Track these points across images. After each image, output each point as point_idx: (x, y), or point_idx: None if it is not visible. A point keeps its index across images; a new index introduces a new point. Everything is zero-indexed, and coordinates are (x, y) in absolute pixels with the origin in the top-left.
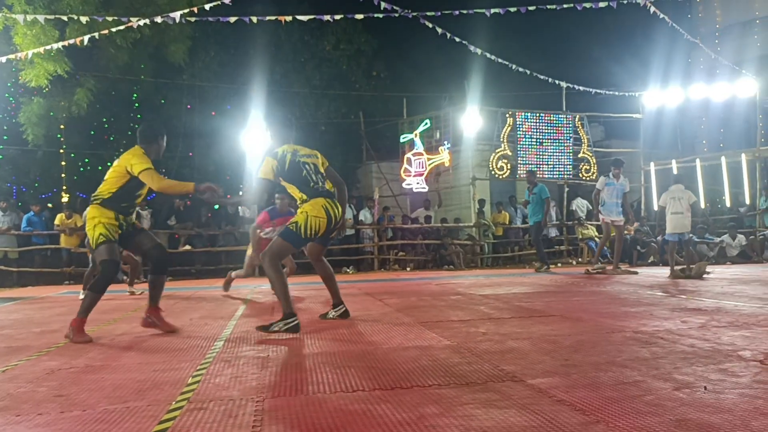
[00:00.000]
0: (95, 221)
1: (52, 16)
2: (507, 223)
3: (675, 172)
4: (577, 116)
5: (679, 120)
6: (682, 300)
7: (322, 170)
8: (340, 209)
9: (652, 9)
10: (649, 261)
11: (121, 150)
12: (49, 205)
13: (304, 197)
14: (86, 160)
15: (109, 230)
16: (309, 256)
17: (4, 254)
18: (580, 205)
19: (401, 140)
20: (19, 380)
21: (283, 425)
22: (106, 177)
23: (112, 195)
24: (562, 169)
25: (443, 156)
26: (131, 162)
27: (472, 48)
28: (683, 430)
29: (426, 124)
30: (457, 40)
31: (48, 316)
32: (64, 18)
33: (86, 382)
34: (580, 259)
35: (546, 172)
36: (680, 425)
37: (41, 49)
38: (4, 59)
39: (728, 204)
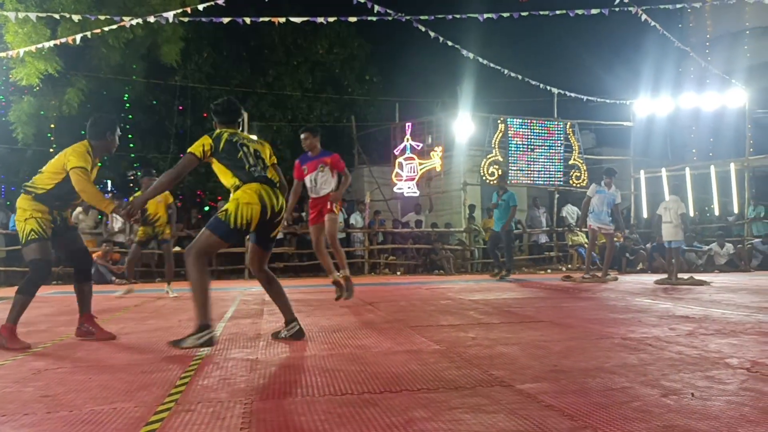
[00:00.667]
0: (27, 214)
1: (44, 15)
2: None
3: (666, 182)
4: (569, 123)
5: (669, 128)
6: (670, 307)
7: (265, 159)
8: (280, 200)
9: (644, 17)
10: (638, 268)
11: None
12: None
13: (237, 182)
14: None
15: (42, 226)
16: (250, 264)
17: None
18: (571, 211)
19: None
20: (5, 380)
21: (271, 428)
22: (43, 168)
23: (47, 192)
24: (553, 176)
25: (435, 161)
26: (68, 158)
27: (464, 52)
28: None
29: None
30: (450, 44)
31: (35, 315)
32: (56, 16)
33: (73, 383)
34: (569, 266)
35: (537, 179)
36: (667, 431)
37: (32, 48)
38: None
39: (717, 213)
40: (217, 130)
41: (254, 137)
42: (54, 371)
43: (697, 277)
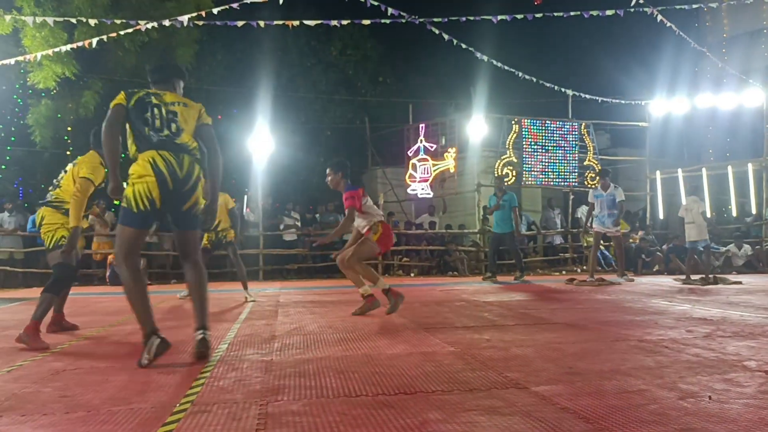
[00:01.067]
0: (58, 225)
1: (61, 19)
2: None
3: (683, 183)
4: (583, 124)
5: (685, 129)
6: (687, 309)
7: (185, 121)
8: (185, 166)
9: (659, 18)
10: (654, 270)
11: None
12: None
13: (134, 151)
14: None
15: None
16: (179, 251)
17: (10, 255)
18: (585, 212)
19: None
20: (24, 380)
21: (287, 429)
22: (61, 183)
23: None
24: (568, 177)
25: (448, 162)
26: (81, 167)
27: (478, 55)
28: None
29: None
30: (464, 46)
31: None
32: (73, 20)
33: (91, 383)
34: (584, 267)
35: (551, 180)
36: None
37: (50, 51)
38: (12, 61)
39: (734, 213)
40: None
41: (181, 100)
42: (72, 372)
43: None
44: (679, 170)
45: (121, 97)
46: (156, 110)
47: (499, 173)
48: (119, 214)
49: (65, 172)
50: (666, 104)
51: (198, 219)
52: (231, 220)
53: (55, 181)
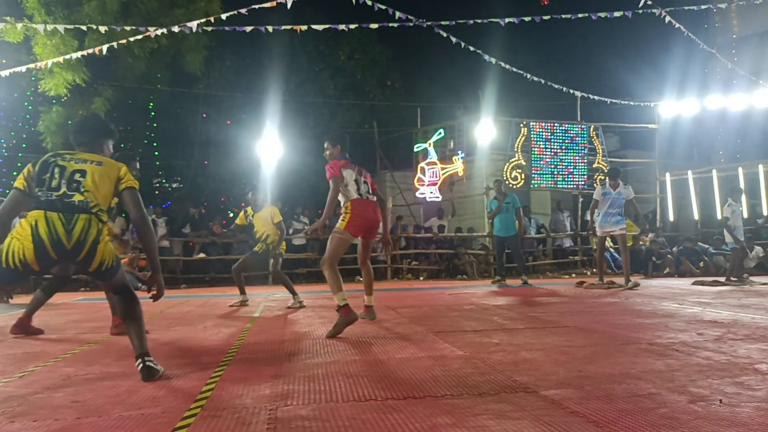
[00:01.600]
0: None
1: (71, 26)
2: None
3: (693, 185)
4: (592, 126)
5: (695, 130)
6: (698, 312)
7: (95, 182)
8: (76, 231)
9: (668, 19)
10: (665, 272)
11: (138, 158)
12: None
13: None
14: None
15: None
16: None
17: None
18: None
19: (415, 149)
20: (36, 386)
21: None
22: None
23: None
24: (577, 180)
25: (457, 165)
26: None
27: (486, 57)
28: None
29: (440, 133)
30: (472, 49)
31: (64, 322)
32: (83, 28)
33: (102, 389)
34: (594, 270)
35: (560, 182)
36: None
37: (60, 59)
38: (24, 68)
39: (745, 215)
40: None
41: (88, 158)
42: (83, 377)
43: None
44: (689, 172)
45: (20, 178)
46: (57, 169)
47: (508, 176)
48: None
49: None
50: (675, 106)
51: (114, 270)
52: (279, 233)
53: None
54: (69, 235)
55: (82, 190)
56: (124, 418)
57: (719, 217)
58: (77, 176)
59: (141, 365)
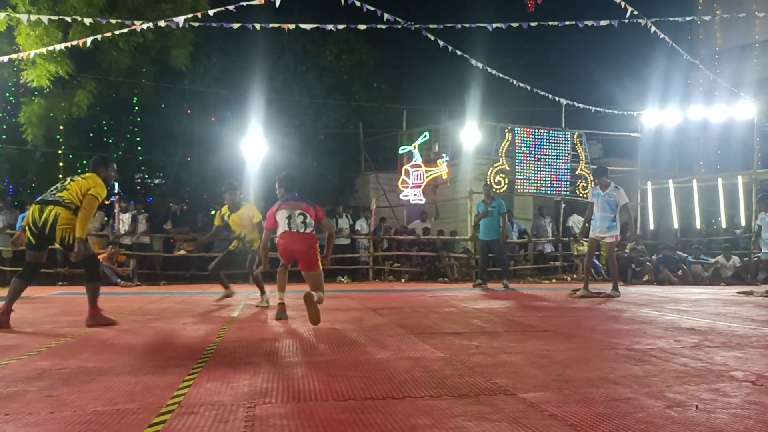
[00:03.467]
0: (72, 223)
1: (55, 17)
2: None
3: (673, 194)
4: (576, 133)
5: (677, 140)
6: (675, 319)
7: (66, 185)
8: (44, 215)
9: (653, 29)
10: (644, 279)
11: (120, 153)
12: None
13: None
14: (84, 162)
15: None
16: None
17: None
18: (577, 221)
19: (400, 152)
20: (9, 379)
21: None
22: (68, 186)
23: (77, 207)
24: (560, 186)
25: (441, 169)
26: (91, 184)
27: (473, 62)
28: None
29: (425, 136)
30: (459, 53)
31: (40, 316)
32: (68, 19)
33: (77, 384)
34: (575, 276)
35: (543, 188)
36: None
37: (44, 50)
38: (6, 59)
39: (724, 225)
40: None
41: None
42: (58, 371)
43: (702, 289)
44: (671, 181)
45: None
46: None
47: (492, 181)
48: None
49: (72, 180)
50: (658, 115)
51: (70, 248)
52: (258, 231)
53: (59, 185)
54: (40, 218)
55: (62, 188)
56: (99, 413)
57: (698, 226)
58: (63, 184)
59: None
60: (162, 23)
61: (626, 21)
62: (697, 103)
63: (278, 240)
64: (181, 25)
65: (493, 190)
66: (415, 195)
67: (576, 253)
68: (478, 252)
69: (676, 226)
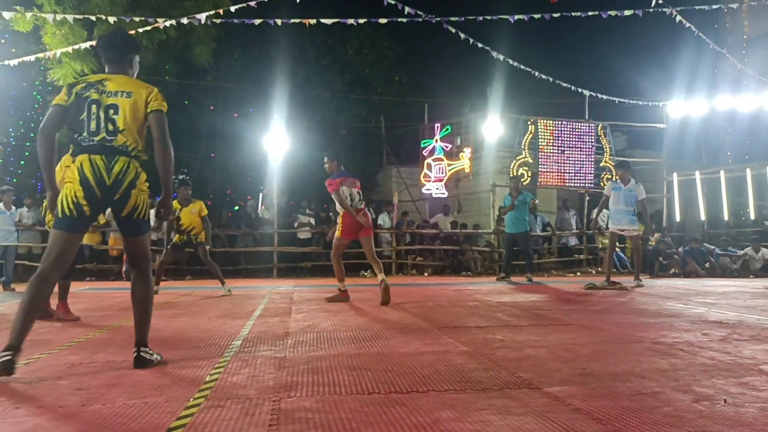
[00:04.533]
0: None
1: (80, 16)
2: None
3: (700, 185)
4: (600, 125)
5: (703, 130)
6: (703, 312)
7: (125, 117)
8: (115, 170)
9: (679, 18)
10: (671, 272)
11: None
12: None
13: (71, 154)
14: None
15: None
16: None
17: (29, 249)
18: (602, 214)
19: (422, 145)
20: (41, 373)
21: (299, 425)
22: None
23: None
24: (584, 178)
25: (463, 162)
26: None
27: (494, 54)
28: None
29: (447, 129)
30: (480, 46)
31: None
32: (93, 18)
33: (106, 377)
34: (599, 269)
35: (567, 181)
36: None
37: (69, 49)
38: (33, 58)
39: (752, 216)
40: (80, 78)
41: (120, 89)
42: (88, 365)
43: (730, 281)
44: (697, 172)
45: (61, 94)
46: (95, 106)
47: (515, 173)
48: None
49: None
50: (684, 106)
51: (142, 226)
52: (203, 226)
53: None
54: (109, 176)
55: (117, 131)
56: (128, 406)
57: (726, 218)
58: (111, 113)
59: (135, 354)
60: (185, 20)
61: (651, 10)
62: (724, 92)
63: (342, 218)
64: (203, 22)
65: (521, 182)
66: (437, 189)
67: (600, 246)
68: (503, 245)
69: (703, 217)
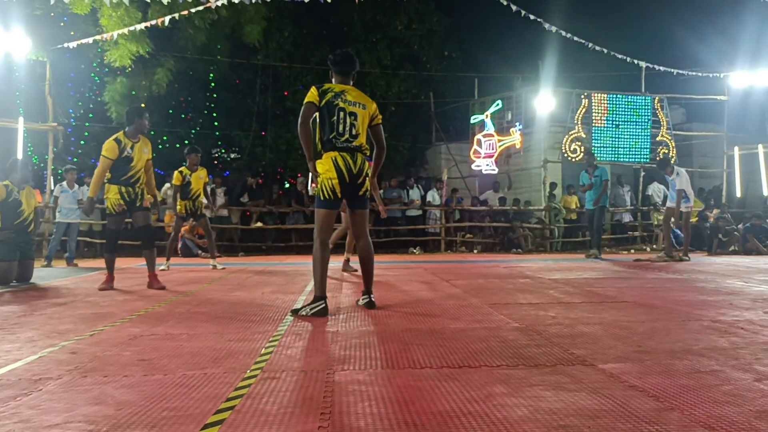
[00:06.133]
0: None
1: None
2: (574, 206)
3: (763, 159)
4: (657, 98)
5: None
6: (764, 290)
7: (362, 125)
8: (358, 164)
9: None
10: (730, 249)
11: (198, 128)
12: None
13: (319, 148)
14: (164, 138)
15: (112, 204)
16: (350, 229)
17: (89, 227)
18: (657, 189)
19: (471, 121)
20: (105, 344)
21: (353, 397)
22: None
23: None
24: (639, 153)
25: (514, 138)
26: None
27: (547, 26)
28: (764, 421)
29: (497, 105)
30: (532, 18)
31: (130, 285)
32: (147, 0)
33: (166, 349)
34: (654, 246)
35: (621, 156)
36: (761, 417)
37: (125, 30)
38: (91, 40)
39: None
40: (327, 84)
41: (356, 100)
42: (148, 337)
43: None
44: (760, 146)
45: (313, 95)
46: (341, 113)
47: (567, 149)
48: (315, 201)
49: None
50: (747, 76)
51: (367, 201)
52: (205, 191)
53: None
54: (355, 167)
55: (357, 135)
56: (188, 377)
57: None
58: (351, 119)
59: (367, 299)
60: (236, 0)
61: None
62: None
63: None
64: (254, 0)
65: (596, 157)
66: (487, 165)
67: (656, 222)
68: (587, 222)
69: (765, 193)
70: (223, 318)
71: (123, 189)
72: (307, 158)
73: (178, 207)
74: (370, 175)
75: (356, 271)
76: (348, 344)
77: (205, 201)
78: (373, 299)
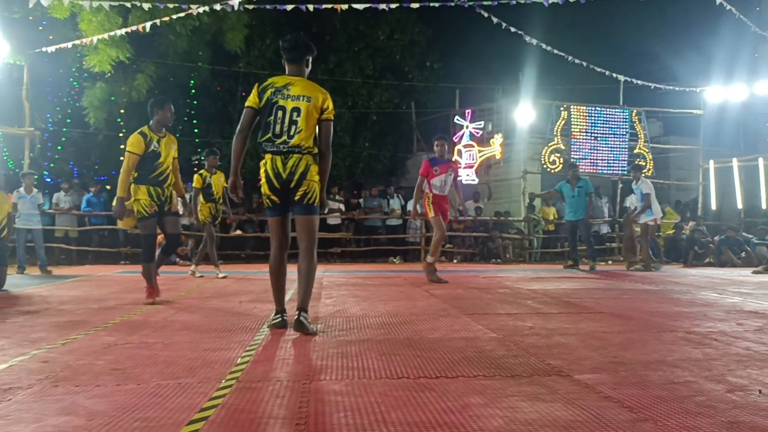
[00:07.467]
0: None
1: (116, 3)
2: (553, 218)
3: (737, 173)
4: (635, 111)
5: (742, 117)
6: (738, 302)
7: (306, 120)
8: (289, 165)
9: (719, 0)
10: (706, 261)
11: (178, 135)
12: (108, 187)
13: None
14: None
15: (143, 207)
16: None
17: (65, 233)
18: (634, 201)
19: (456, 121)
20: (78, 353)
21: (329, 407)
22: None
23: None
24: (617, 165)
25: (495, 148)
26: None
27: (527, 38)
28: None
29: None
30: (513, 30)
31: (105, 293)
32: (128, 5)
33: (140, 358)
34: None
35: (600, 168)
36: (732, 427)
37: (105, 35)
38: (70, 45)
39: None
40: (270, 79)
41: (301, 93)
42: (123, 346)
43: None
44: (734, 160)
45: (253, 96)
46: (280, 112)
47: (546, 160)
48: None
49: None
50: (723, 91)
51: (311, 207)
52: (224, 194)
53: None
54: (284, 170)
55: (297, 133)
56: (162, 387)
57: (764, 207)
58: (293, 116)
59: (297, 317)
60: (217, 6)
61: None
62: (765, 77)
63: (432, 198)
64: (236, 8)
65: (580, 170)
66: (467, 175)
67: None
68: (567, 233)
69: (740, 206)
70: (200, 327)
71: (152, 189)
72: (231, 172)
73: (201, 213)
74: (313, 177)
75: (445, 282)
76: (325, 354)
77: (223, 207)
78: (302, 319)
